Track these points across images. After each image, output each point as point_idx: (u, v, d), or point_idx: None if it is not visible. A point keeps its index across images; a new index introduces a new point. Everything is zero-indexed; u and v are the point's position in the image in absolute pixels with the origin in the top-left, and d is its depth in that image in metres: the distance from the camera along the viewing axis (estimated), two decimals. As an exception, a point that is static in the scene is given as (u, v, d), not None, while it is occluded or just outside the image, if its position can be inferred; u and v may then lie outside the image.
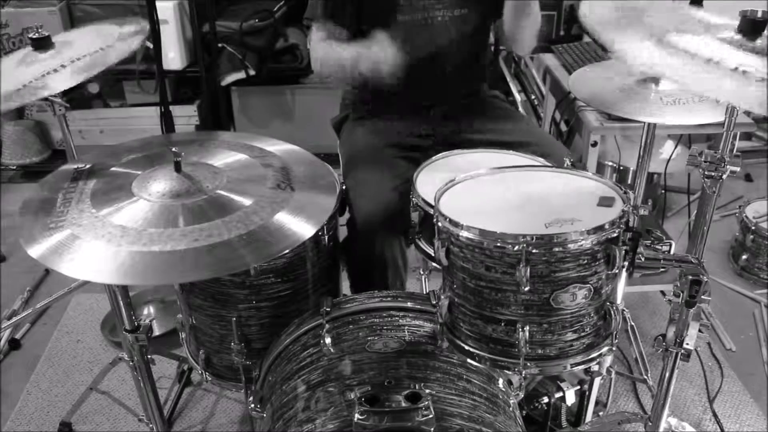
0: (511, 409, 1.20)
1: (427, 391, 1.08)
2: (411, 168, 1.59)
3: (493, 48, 3.07)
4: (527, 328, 1.06)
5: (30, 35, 1.39)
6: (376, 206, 1.49)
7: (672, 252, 1.12)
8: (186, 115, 3.07)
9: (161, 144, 1.37)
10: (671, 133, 2.27)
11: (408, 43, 1.68)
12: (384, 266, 1.55)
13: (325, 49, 1.62)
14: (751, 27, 1.06)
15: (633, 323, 2.09)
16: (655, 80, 1.50)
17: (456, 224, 1.06)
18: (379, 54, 1.47)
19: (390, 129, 1.73)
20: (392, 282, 1.59)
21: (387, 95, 1.75)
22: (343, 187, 1.51)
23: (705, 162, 1.23)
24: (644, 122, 1.54)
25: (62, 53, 1.36)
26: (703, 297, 1.15)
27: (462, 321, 1.13)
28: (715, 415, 1.89)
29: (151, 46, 1.65)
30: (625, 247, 1.05)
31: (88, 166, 1.27)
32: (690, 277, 1.12)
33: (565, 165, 1.35)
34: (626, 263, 1.07)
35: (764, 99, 0.91)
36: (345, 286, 1.59)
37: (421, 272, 1.90)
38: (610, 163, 2.44)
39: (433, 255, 1.20)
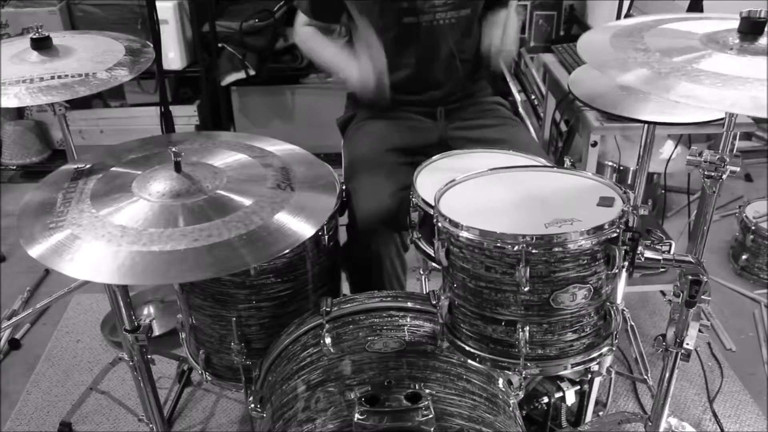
0: (511, 409, 1.20)
1: (427, 391, 1.08)
2: (412, 175, 1.59)
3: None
4: (527, 328, 1.06)
5: (30, 35, 1.39)
6: (375, 212, 1.49)
7: (672, 252, 1.12)
8: (186, 115, 3.07)
9: (161, 144, 1.37)
10: (671, 133, 2.27)
11: (414, 45, 1.68)
12: (381, 272, 1.55)
13: (311, 42, 1.74)
14: (751, 27, 1.06)
15: (633, 323, 2.09)
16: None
17: (456, 225, 1.06)
18: (360, 72, 1.56)
19: (394, 131, 1.73)
20: (390, 288, 1.59)
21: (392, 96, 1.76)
22: (344, 188, 1.51)
23: (705, 162, 1.23)
24: (644, 122, 1.54)
25: (53, 62, 1.37)
26: (703, 297, 1.15)
27: (462, 321, 1.13)
28: (715, 415, 1.89)
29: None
30: (625, 247, 1.05)
31: (88, 166, 1.27)
32: (690, 277, 1.13)
33: (565, 165, 1.35)
34: (626, 263, 1.07)
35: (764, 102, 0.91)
36: (345, 286, 1.59)
37: (421, 272, 1.90)
38: (610, 163, 2.44)
39: (433, 255, 1.20)
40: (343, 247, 1.54)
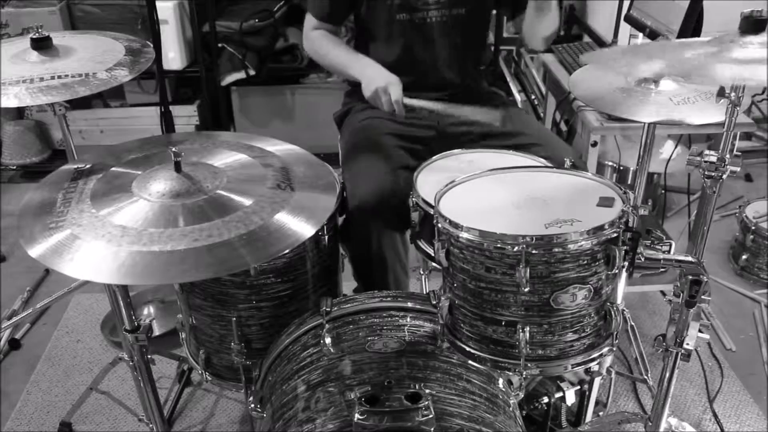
0: (511, 409, 1.20)
1: (427, 391, 1.08)
2: (410, 157, 1.59)
3: (493, 48, 3.08)
4: (527, 328, 1.06)
5: (30, 35, 1.39)
6: (371, 191, 1.49)
7: (672, 252, 1.12)
8: (186, 115, 3.07)
9: (161, 144, 1.37)
10: (671, 133, 2.27)
11: (406, 42, 1.69)
12: (381, 252, 1.55)
13: (319, 43, 1.76)
14: (752, 27, 1.06)
15: (633, 323, 2.09)
16: (655, 81, 1.50)
17: (456, 225, 1.06)
18: (375, 82, 1.58)
19: (391, 121, 1.73)
20: (392, 267, 1.58)
21: None
22: (341, 180, 1.51)
23: (705, 162, 1.23)
24: (644, 122, 1.54)
25: (53, 62, 1.36)
26: (703, 297, 1.15)
27: (462, 322, 1.13)
28: (715, 415, 1.89)
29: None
30: (625, 248, 1.05)
31: (88, 166, 1.27)
32: (690, 277, 1.13)
33: (565, 165, 1.36)
34: (626, 263, 1.07)
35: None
36: (345, 286, 1.59)
37: (421, 272, 1.90)
38: (610, 163, 2.44)
39: (433, 255, 1.20)
40: (340, 229, 1.52)
